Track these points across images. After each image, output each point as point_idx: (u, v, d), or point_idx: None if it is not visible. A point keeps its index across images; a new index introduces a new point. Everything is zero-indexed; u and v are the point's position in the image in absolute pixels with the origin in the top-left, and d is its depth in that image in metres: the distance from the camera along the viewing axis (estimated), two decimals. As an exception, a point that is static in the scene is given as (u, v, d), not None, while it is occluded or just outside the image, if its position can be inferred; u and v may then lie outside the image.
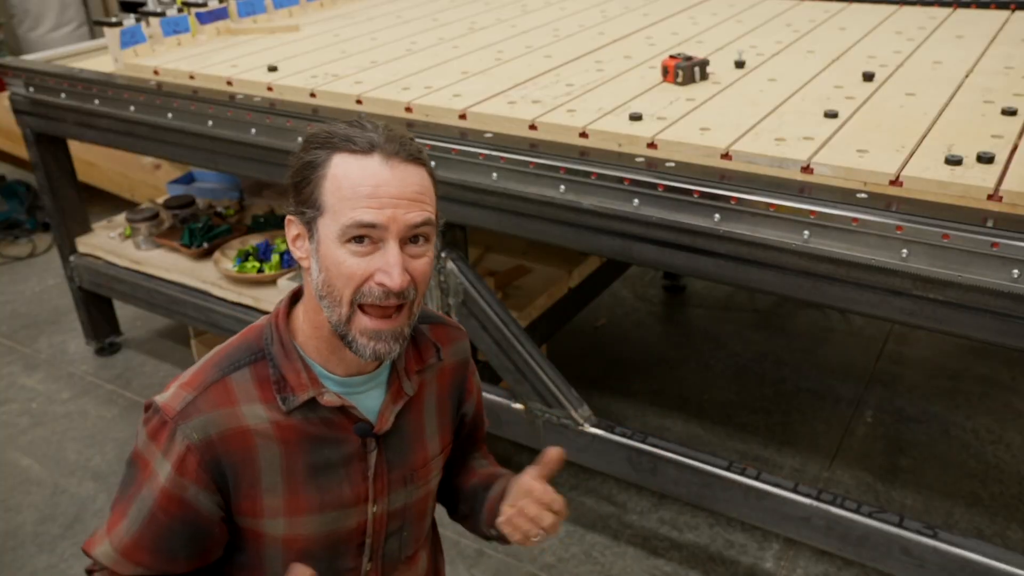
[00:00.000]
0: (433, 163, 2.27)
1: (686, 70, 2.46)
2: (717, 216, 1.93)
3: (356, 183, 1.19)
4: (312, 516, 1.33)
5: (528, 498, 1.34)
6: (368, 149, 1.21)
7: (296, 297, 1.37)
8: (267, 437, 1.28)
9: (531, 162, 2.14)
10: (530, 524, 1.33)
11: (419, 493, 1.43)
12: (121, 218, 3.63)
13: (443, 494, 1.59)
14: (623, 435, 2.38)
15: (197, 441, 1.24)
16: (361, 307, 1.22)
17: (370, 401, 1.35)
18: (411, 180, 1.22)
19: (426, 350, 1.42)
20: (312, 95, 2.61)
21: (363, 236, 1.19)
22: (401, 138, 1.24)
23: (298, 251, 1.28)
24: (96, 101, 2.93)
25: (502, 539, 1.42)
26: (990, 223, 1.67)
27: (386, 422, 1.34)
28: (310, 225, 1.23)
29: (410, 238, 1.23)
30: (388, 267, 1.19)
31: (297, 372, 1.29)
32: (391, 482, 1.38)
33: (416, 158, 1.25)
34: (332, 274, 1.21)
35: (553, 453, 1.37)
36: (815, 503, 2.13)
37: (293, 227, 1.27)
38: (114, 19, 3.13)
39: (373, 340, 1.23)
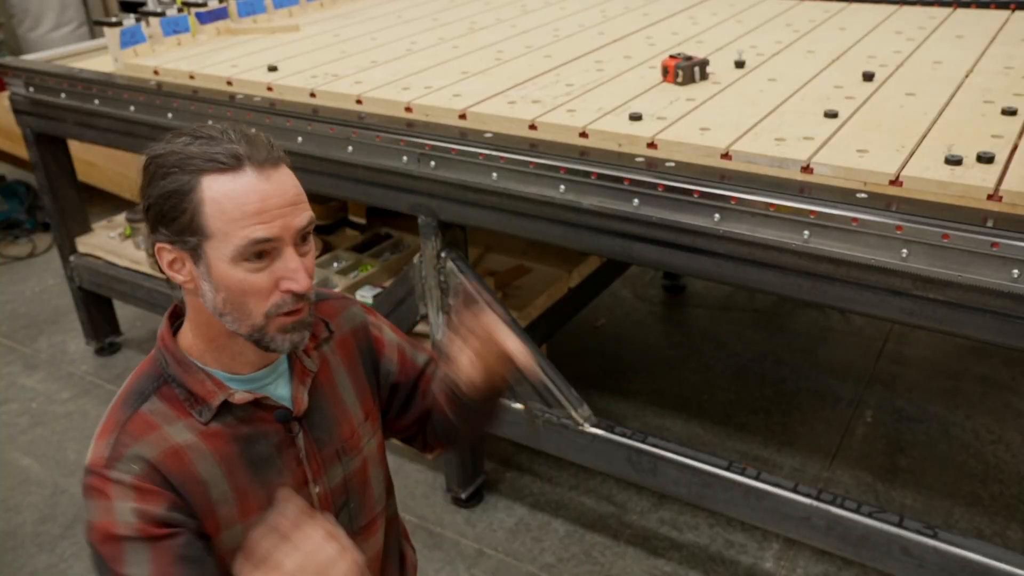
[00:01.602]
0: (433, 163, 2.29)
1: (686, 70, 2.46)
2: (717, 216, 1.93)
3: (240, 202, 1.18)
4: (265, 513, 1.30)
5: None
6: (236, 164, 1.19)
7: (173, 318, 1.36)
8: (199, 450, 1.27)
9: (531, 162, 2.14)
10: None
11: (355, 464, 1.45)
12: (121, 218, 3.63)
13: (439, 434, 1.60)
14: (623, 435, 2.38)
15: (140, 471, 1.21)
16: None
17: (281, 390, 1.37)
18: (288, 184, 1.23)
19: (316, 327, 1.43)
20: (312, 95, 2.61)
21: (260, 252, 1.20)
22: (259, 141, 1.23)
23: (179, 275, 1.25)
24: (96, 101, 2.93)
25: (475, 392, 1.45)
26: (990, 223, 1.67)
27: (302, 403, 1.36)
28: (195, 251, 1.21)
29: (300, 238, 1.25)
30: (292, 274, 1.21)
31: (202, 382, 1.29)
32: (325, 460, 1.40)
33: (280, 158, 1.24)
34: (236, 292, 1.21)
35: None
36: (815, 503, 2.13)
37: (166, 253, 1.23)
38: (114, 19, 3.13)
39: (290, 333, 1.25)
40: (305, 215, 1.23)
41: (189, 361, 1.30)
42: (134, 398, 1.28)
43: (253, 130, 1.25)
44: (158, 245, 1.23)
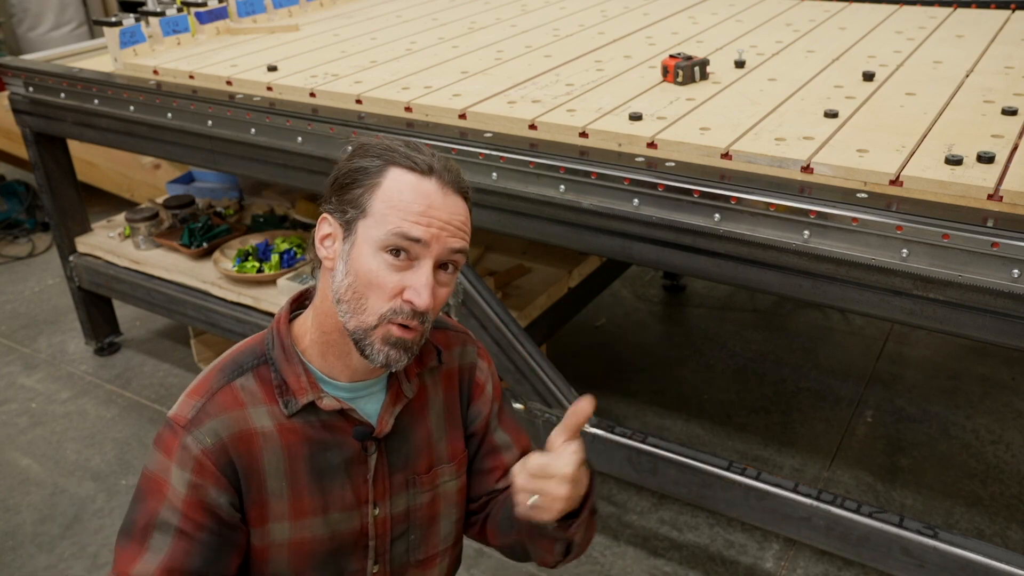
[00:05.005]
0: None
1: (686, 70, 2.46)
2: (717, 216, 1.93)
3: (410, 198, 1.22)
4: (316, 518, 1.33)
5: (521, 471, 1.25)
6: (427, 171, 1.24)
7: (298, 302, 1.38)
8: (272, 440, 1.29)
9: (531, 162, 2.14)
10: (527, 495, 1.24)
11: (424, 498, 1.43)
12: (121, 218, 3.63)
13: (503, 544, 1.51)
14: (623, 435, 2.38)
15: (211, 445, 1.25)
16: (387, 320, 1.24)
17: (372, 405, 1.36)
18: (459, 210, 1.27)
19: (427, 353, 1.42)
20: (312, 95, 2.61)
21: (402, 249, 1.21)
22: (455, 170, 1.29)
23: (325, 250, 1.29)
24: (96, 101, 2.93)
25: (533, 529, 1.32)
26: (990, 223, 1.67)
27: (386, 424, 1.35)
28: (348, 225, 1.25)
29: (442, 264, 1.25)
30: (419, 286, 1.22)
31: (297, 376, 1.30)
32: (393, 485, 1.38)
33: (464, 193, 1.29)
34: (362, 281, 1.23)
35: (581, 405, 1.28)
36: (815, 503, 2.13)
37: (326, 225, 1.29)
38: (114, 19, 3.12)
39: (389, 347, 1.24)
40: (459, 241, 1.26)
41: (293, 350, 1.32)
42: (232, 368, 1.32)
43: (459, 169, 1.31)
44: (323, 214, 1.30)
